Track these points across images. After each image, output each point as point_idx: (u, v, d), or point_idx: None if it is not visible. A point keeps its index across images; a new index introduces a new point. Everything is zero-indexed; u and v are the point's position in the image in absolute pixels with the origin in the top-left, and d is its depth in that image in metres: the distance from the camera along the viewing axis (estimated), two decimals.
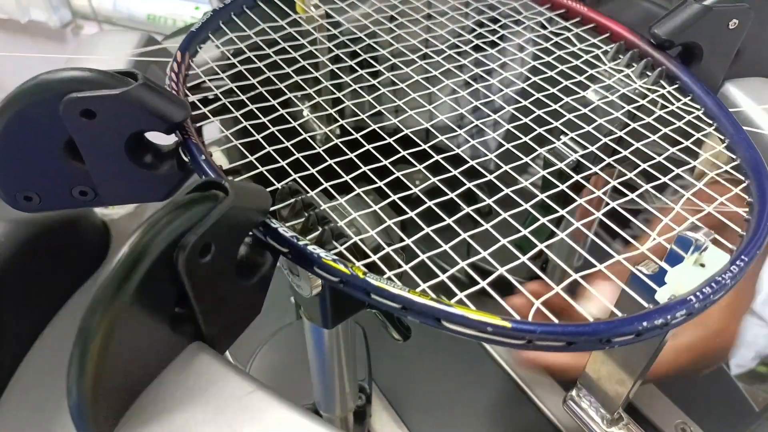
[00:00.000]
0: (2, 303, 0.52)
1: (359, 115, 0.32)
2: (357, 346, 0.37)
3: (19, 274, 0.53)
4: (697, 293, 0.22)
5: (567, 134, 0.32)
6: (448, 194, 0.27)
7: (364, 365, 0.47)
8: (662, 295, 0.23)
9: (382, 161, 0.29)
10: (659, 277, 0.24)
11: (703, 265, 0.24)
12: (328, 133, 0.31)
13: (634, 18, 0.51)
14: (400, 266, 0.24)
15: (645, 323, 0.21)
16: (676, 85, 0.36)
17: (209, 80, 0.33)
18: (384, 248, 0.25)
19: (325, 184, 0.28)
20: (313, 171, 0.28)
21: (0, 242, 0.53)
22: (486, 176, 0.28)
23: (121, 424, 0.21)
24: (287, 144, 0.30)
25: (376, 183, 0.28)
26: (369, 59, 0.36)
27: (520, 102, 0.34)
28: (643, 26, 0.38)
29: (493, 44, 0.39)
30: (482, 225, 0.26)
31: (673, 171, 0.30)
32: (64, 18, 1.48)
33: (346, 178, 0.28)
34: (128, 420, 0.21)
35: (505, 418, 0.45)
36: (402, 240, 0.26)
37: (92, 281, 0.60)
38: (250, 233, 0.24)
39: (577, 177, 0.29)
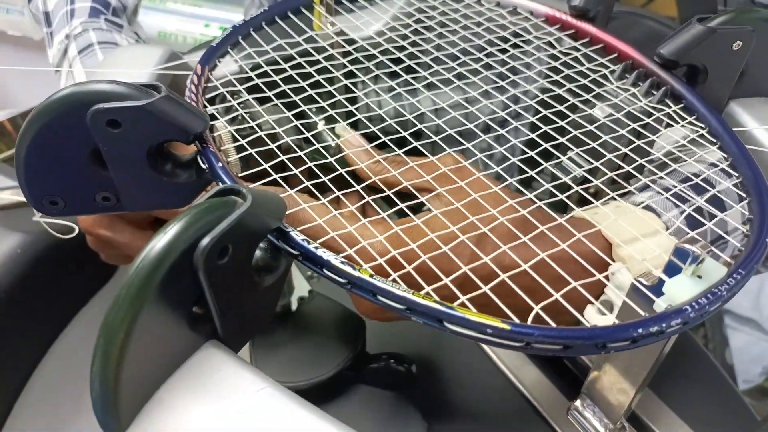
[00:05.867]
0: (19, 311, 0.54)
1: (370, 127, 0.33)
2: None
3: (35, 283, 0.55)
4: (693, 303, 0.23)
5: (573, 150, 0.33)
6: (454, 204, 0.28)
7: None
8: (660, 305, 0.24)
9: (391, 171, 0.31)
10: (658, 287, 0.25)
11: (700, 277, 0.25)
12: (340, 143, 0.32)
13: (639, 36, 0.52)
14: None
15: (641, 330, 0.22)
16: (682, 104, 0.37)
17: (227, 92, 0.35)
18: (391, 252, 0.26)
19: (337, 193, 0.29)
20: (325, 179, 0.29)
21: (17, 253, 0.55)
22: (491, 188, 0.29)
23: (140, 415, 0.22)
24: (300, 153, 0.31)
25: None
26: (381, 75, 0.38)
27: (527, 118, 0.35)
28: (647, 44, 0.39)
29: (503, 63, 0.40)
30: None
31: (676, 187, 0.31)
32: None
33: (357, 187, 0.29)
34: (146, 412, 0.22)
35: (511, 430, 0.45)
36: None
37: (105, 291, 0.62)
38: (266, 238, 0.25)
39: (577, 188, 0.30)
